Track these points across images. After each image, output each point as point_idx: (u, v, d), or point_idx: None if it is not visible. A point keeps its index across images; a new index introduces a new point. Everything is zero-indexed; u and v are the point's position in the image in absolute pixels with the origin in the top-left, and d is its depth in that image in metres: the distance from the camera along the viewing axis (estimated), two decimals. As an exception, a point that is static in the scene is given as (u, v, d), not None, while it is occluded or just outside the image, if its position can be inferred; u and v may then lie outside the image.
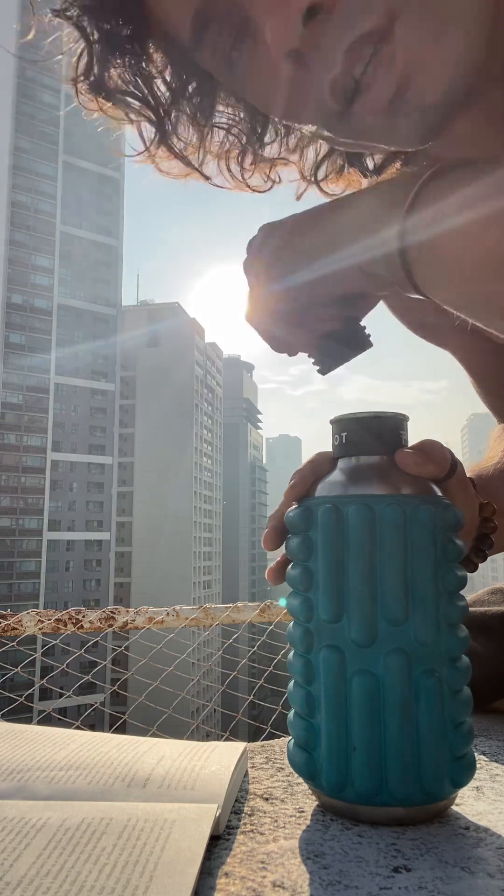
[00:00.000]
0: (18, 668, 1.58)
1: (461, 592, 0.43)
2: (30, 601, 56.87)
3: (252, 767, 0.51)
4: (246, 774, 0.50)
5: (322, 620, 0.41)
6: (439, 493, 0.43)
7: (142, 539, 68.32)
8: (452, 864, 0.36)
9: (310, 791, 0.46)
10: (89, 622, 1.54)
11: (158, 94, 0.55)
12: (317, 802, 0.44)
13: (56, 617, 1.53)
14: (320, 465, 0.46)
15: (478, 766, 0.52)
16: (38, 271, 64.39)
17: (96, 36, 0.50)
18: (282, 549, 0.47)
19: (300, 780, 0.48)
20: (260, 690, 1.65)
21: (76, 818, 0.37)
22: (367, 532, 0.40)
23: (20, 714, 1.54)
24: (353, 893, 0.33)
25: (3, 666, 1.75)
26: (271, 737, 1.19)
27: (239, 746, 0.49)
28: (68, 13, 0.49)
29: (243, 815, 0.43)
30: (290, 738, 0.45)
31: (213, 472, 78.97)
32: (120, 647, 1.68)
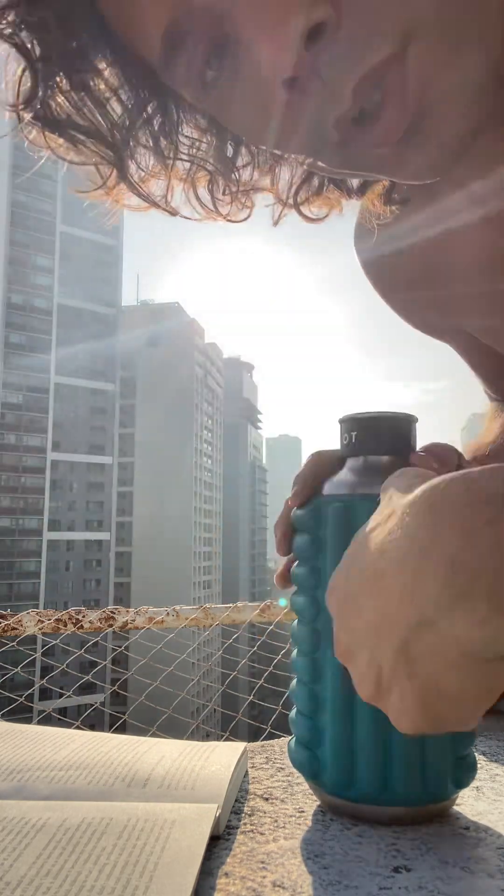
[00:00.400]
0: (18, 668, 1.58)
1: None
2: (30, 601, 56.88)
3: (252, 767, 0.51)
4: (246, 774, 0.50)
5: (329, 619, 0.41)
6: None
7: (142, 539, 68.32)
8: (452, 864, 0.36)
9: (310, 791, 0.45)
10: (89, 622, 1.54)
11: (114, 118, 0.47)
12: (317, 802, 0.44)
13: (56, 617, 1.53)
14: (322, 466, 0.46)
15: (478, 765, 0.52)
16: (38, 271, 64.42)
17: (38, 53, 0.42)
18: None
19: (300, 780, 0.48)
20: (260, 690, 1.65)
21: (76, 818, 0.37)
22: None
23: (20, 714, 1.54)
24: (353, 893, 0.33)
25: (3, 666, 1.75)
26: (271, 737, 1.19)
27: (239, 746, 0.49)
28: (3, 30, 0.41)
29: (243, 815, 0.43)
30: (290, 737, 0.45)
31: (213, 472, 78.97)
32: (120, 647, 1.68)
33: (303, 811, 0.43)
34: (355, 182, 0.56)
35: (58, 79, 0.44)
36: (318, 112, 0.38)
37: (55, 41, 0.42)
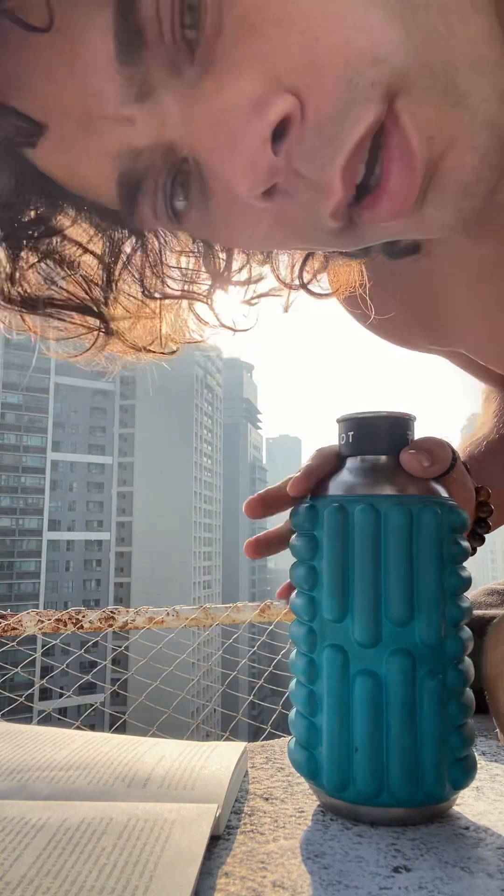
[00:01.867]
0: (18, 668, 1.58)
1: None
2: (30, 601, 56.89)
3: (252, 767, 0.51)
4: (246, 774, 0.50)
5: (326, 619, 0.41)
6: (444, 493, 0.43)
7: (142, 539, 68.31)
8: (452, 864, 0.36)
9: (310, 791, 0.46)
10: (89, 622, 1.54)
11: (89, 274, 0.44)
12: (317, 802, 0.44)
13: (56, 617, 1.53)
14: (327, 462, 0.45)
15: (478, 766, 0.52)
16: (38, 271, 64.34)
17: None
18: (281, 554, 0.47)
19: (300, 780, 0.48)
20: (260, 690, 1.65)
21: (76, 818, 0.37)
22: (373, 533, 0.40)
23: (20, 714, 1.55)
24: (353, 893, 0.33)
25: (3, 666, 1.75)
26: (271, 737, 1.19)
27: (239, 746, 0.49)
28: None
29: (243, 815, 0.43)
30: (290, 737, 0.45)
31: (213, 472, 78.95)
32: (120, 647, 1.68)
33: (303, 811, 0.43)
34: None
35: (23, 254, 0.41)
36: (309, 212, 0.34)
37: (9, 219, 0.39)
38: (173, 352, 0.51)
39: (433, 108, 0.31)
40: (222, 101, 0.30)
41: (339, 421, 0.46)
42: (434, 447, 0.42)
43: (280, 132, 0.30)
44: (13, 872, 0.32)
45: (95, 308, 0.44)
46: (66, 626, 1.52)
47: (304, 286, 0.52)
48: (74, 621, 1.53)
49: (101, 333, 0.46)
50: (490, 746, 0.56)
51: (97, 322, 0.45)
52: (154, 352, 0.50)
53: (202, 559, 71.61)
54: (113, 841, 0.35)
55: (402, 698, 0.39)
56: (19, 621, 1.49)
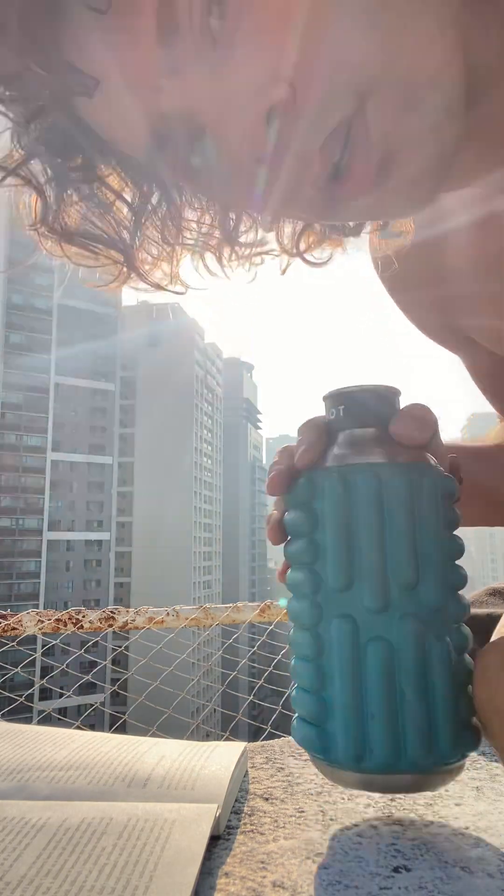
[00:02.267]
0: (18, 668, 1.58)
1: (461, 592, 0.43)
2: (30, 601, 56.88)
3: (252, 767, 0.51)
4: (246, 774, 0.50)
5: (332, 590, 0.41)
6: (434, 461, 0.44)
7: (142, 539, 68.32)
8: (452, 864, 0.36)
9: (310, 791, 0.46)
10: (89, 622, 1.54)
11: (120, 218, 0.52)
12: (317, 802, 0.44)
13: (56, 617, 1.53)
14: (321, 435, 0.46)
15: (478, 766, 0.52)
16: (38, 271, 64.41)
17: (48, 174, 0.47)
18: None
19: (300, 779, 0.48)
20: (260, 690, 1.65)
21: (76, 818, 0.37)
22: (376, 499, 0.41)
23: (20, 714, 1.55)
24: (353, 893, 0.33)
25: (3, 666, 1.75)
26: (271, 737, 1.19)
27: (239, 746, 0.49)
28: (12, 166, 0.46)
29: (243, 815, 0.43)
30: (294, 716, 0.45)
31: (213, 472, 78.96)
32: (120, 647, 1.68)
33: (303, 811, 0.43)
34: (352, 223, 0.59)
35: (67, 194, 0.49)
36: (293, 178, 0.42)
37: (61, 163, 0.47)
38: (181, 293, 0.59)
39: (393, 111, 0.39)
40: (233, 83, 0.39)
41: (327, 397, 0.47)
42: (422, 414, 0.45)
43: (276, 112, 0.38)
44: (13, 872, 0.32)
45: (122, 246, 0.52)
46: (66, 626, 1.52)
47: (300, 254, 0.60)
48: (74, 621, 1.53)
49: (124, 268, 0.54)
50: (490, 746, 0.56)
51: (121, 258, 0.53)
52: (170, 290, 0.57)
53: (202, 559, 71.61)
54: (113, 841, 0.35)
55: (414, 662, 0.40)
56: (19, 621, 1.49)
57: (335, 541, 0.42)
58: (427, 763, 0.39)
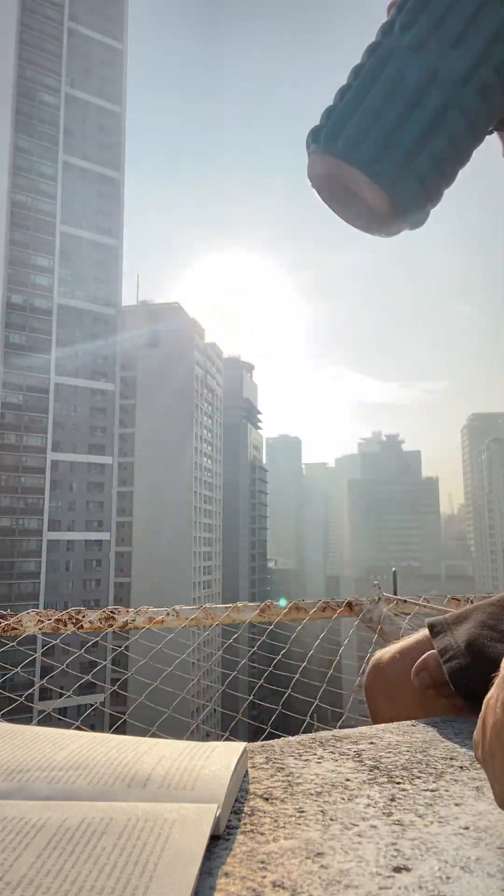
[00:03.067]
0: (18, 669, 1.58)
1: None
2: (30, 601, 56.87)
3: (252, 767, 0.51)
4: (246, 774, 0.50)
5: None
6: None
7: (142, 539, 68.31)
8: (452, 864, 0.36)
9: (310, 791, 0.46)
10: (89, 622, 1.54)
11: None
12: (317, 802, 0.44)
13: (56, 617, 1.53)
14: None
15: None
16: (38, 271, 64.41)
17: None
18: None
19: (300, 779, 0.48)
20: (260, 690, 1.65)
21: (76, 818, 0.37)
22: None
23: (20, 714, 1.54)
24: (353, 893, 0.33)
25: (3, 666, 1.75)
26: (271, 737, 1.19)
27: (239, 746, 0.49)
28: None
29: (243, 815, 0.43)
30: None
31: (213, 472, 78.94)
32: (120, 647, 1.68)
33: (303, 811, 0.43)
34: None
35: None
36: None
37: None
38: None
39: None
40: None
41: None
42: None
43: None
44: (13, 872, 0.32)
45: None
46: (66, 626, 1.52)
47: None
48: (74, 621, 1.53)
49: None
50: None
51: None
52: None
53: (202, 559, 71.60)
54: (113, 841, 0.35)
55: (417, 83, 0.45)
56: (19, 621, 1.49)
57: None
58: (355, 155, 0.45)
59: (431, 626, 0.71)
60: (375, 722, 0.74)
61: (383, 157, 0.45)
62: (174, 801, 0.40)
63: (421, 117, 0.45)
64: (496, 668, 0.55)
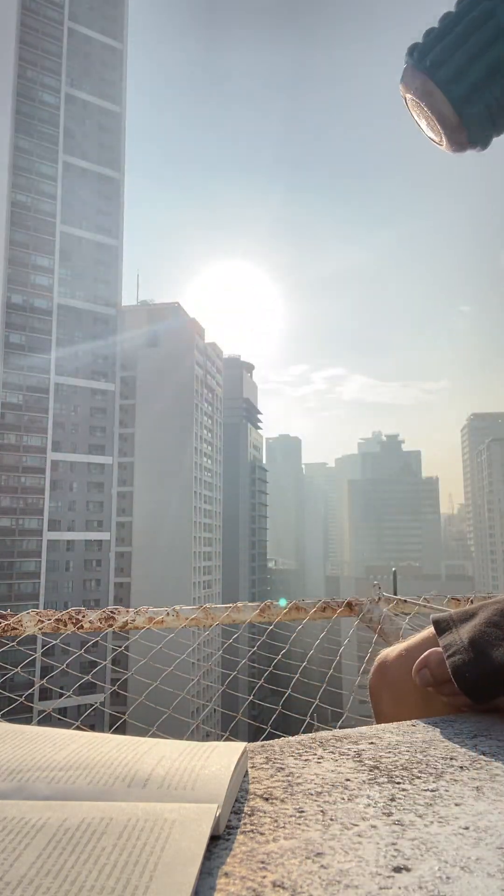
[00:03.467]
0: (18, 668, 1.58)
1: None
2: (30, 601, 56.87)
3: (252, 767, 0.51)
4: (246, 774, 0.50)
5: None
6: None
7: (142, 539, 68.30)
8: (452, 864, 0.36)
9: (310, 791, 0.45)
10: (89, 622, 1.54)
11: None
12: (317, 802, 0.44)
13: (56, 617, 1.53)
14: None
15: (477, 766, 0.52)
16: (38, 271, 64.37)
17: None
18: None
19: (300, 779, 0.48)
20: (260, 690, 1.65)
21: (76, 818, 0.37)
22: None
23: (20, 714, 1.54)
24: (353, 893, 0.33)
25: (3, 666, 1.75)
26: (271, 737, 1.19)
27: (239, 746, 0.49)
28: None
29: (243, 815, 0.43)
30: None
31: (213, 472, 78.94)
32: (120, 647, 1.68)
33: (303, 811, 0.43)
34: None
35: None
36: None
37: None
38: None
39: None
40: None
41: None
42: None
43: None
44: (13, 872, 0.32)
45: None
46: (66, 626, 1.52)
47: None
48: (74, 621, 1.53)
49: None
50: (490, 746, 0.56)
51: None
52: None
53: (202, 559, 71.59)
54: (113, 841, 0.35)
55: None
56: (19, 621, 1.49)
57: None
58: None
59: (437, 624, 0.71)
60: (379, 720, 0.75)
61: (460, 80, 0.52)
62: (174, 801, 0.40)
63: (497, 52, 0.51)
64: (499, 665, 0.55)
